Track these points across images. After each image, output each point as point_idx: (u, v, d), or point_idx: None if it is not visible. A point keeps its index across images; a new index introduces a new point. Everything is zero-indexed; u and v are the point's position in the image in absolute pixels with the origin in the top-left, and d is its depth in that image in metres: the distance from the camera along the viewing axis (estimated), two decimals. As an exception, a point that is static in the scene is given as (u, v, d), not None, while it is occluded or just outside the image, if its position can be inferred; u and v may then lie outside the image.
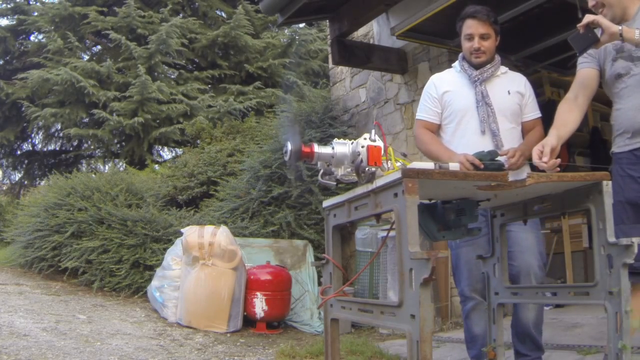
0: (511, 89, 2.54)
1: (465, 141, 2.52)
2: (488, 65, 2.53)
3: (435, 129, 2.63)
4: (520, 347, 2.50)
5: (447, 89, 2.61)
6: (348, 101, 6.10)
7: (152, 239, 5.42)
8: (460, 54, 2.63)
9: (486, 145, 2.43)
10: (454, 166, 1.72)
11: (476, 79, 2.53)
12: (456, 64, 2.66)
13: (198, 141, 8.84)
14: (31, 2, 11.68)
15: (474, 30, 2.50)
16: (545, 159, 2.04)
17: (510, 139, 2.51)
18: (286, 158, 1.87)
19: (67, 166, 11.48)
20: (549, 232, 5.29)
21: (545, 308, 4.64)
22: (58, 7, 10.64)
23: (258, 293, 4.51)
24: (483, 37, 2.49)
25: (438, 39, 4.66)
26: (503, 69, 2.60)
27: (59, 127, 11.14)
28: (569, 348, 3.11)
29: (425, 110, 2.66)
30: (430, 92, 2.66)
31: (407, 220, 1.51)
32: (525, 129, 2.59)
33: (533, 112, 2.59)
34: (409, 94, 5.21)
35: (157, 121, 9.78)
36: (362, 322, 4.17)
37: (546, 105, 5.62)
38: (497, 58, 2.58)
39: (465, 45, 2.55)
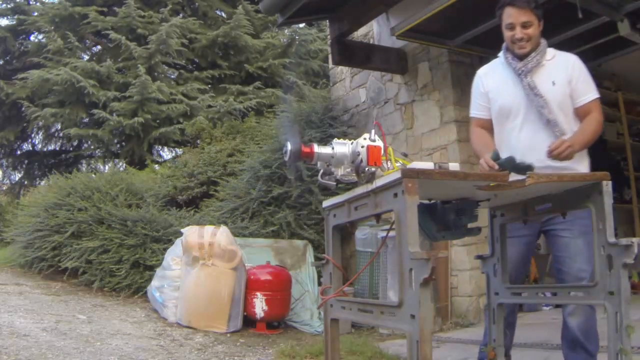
0: (557, 78, 2.33)
1: (517, 138, 2.37)
2: (532, 54, 2.35)
3: (488, 125, 2.49)
4: (572, 356, 2.34)
5: (492, 84, 2.47)
6: (348, 101, 6.10)
7: (152, 239, 5.42)
8: (504, 44, 2.45)
9: (545, 139, 2.29)
10: (454, 166, 1.72)
11: (520, 71, 2.36)
12: (501, 54, 2.49)
13: (198, 141, 8.84)
14: (31, 2, 11.67)
15: (515, 19, 2.33)
16: None
17: (557, 134, 2.32)
18: (286, 158, 1.87)
19: (67, 166, 11.47)
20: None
21: (545, 308, 4.68)
22: (58, 7, 10.63)
23: (258, 293, 4.51)
24: (524, 25, 2.32)
25: (438, 39, 4.66)
26: (550, 54, 2.40)
27: (59, 127, 11.13)
28: (569, 348, 3.10)
29: (475, 107, 2.54)
30: (477, 87, 2.54)
31: (407, 220, 1.51)
32: (580, 116, 2.36)
33: (584, 95, 2.34)
34: (409, 94, 5.21)
35: (157, 121, 9.77)
36: (362, 322, 4.16)
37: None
38: (543, 44, 2.40)
39: (507, 34, 2.39)
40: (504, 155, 2.12)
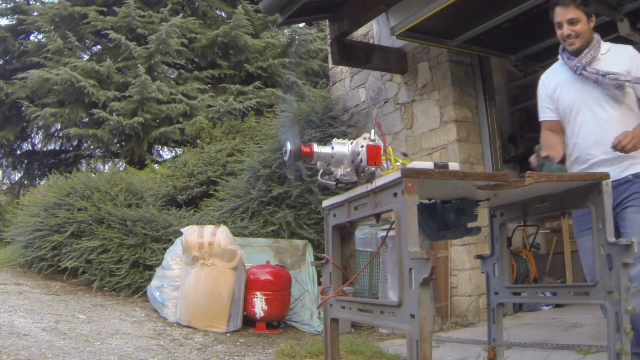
0: (613, 71, 2.35)
1: (583, 134, 2.41)
2: (586, 50, 2.39)
3: (557, 126, 2.52)
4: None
5: (555, 85, 2.53)
6: (348, 101, 6.10)
7: (152, 239, 5.42)
8: (561, 45, 2.51)
9: (608, 132, 2.31)
10: (454, 166, 1.72)
11: (576, 68, 2.41)
12: (559, 55, 2.55)
13: (198, 141, 8.84)
14: (31, 2, 11.68)
15: (561, 18, 2.41)
16: None
17: (622, 126, 2.32)
18: (286, 158, 1.87)
19: (67, 166, 11.48)
20: (549, 232, 5.29)
21: (545, 308, 4.68)
22: (58, 7, 10.64)
23: (258, 293, 4.51)
24: (572, 22, 2.38)
25: (438, 39, 4.66)
26: (604, 48, 2.44)
27: (59, 127, 11.14)
28: (569, 348, 3.11)
29: (542, 111, 2.59)
30: (541, 92, 2.60)
31: (407, 220, 1.51)
32: None
33: None
34: (409, 94, 5.21)
35: (157, 121, 9.78)
36: (362, 322, 4.16)
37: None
38: (596, 39, 2.43)
39: (558, 33, 2.46)
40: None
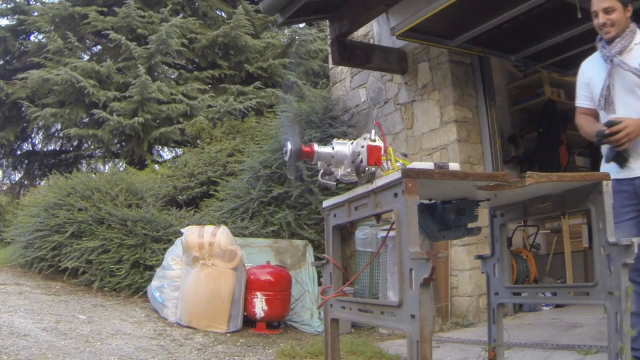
0: None
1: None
2: (617, 39, 2.42)
3: (593, 113, 2.58)
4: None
5: (590, 74, 2.57)
6: (348, 101, 6.10)
7: (152, 239, 5.42)
8: (598, 34, 2.55)
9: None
10: (454, 166, 1.72)
11: (605, 57, 2.45)
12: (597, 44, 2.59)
13: (198, 141, 8.84)
14: (31, 2, 11.68)
15: (597, 7, 2.45)
16: None
17: None
18: (286, 158, 1.87)
19: (67, 166, 11.48)
20: (549, 232, 5.29)
21: (545, 308, 4.68)
22: (58, 7, 10.64)
23: (258, 293, 4.51)
24: (607, 10, 2.42)
25: (438, 39, 4.66)
26: (639, 37, 2.45)
27: (59, 127, 11.14)
28: (569, 348, 3.11)
29: (579, 97, 2.65)
30: (580, 79, 2.65)
31: (407, 220, 1.51)
32: None
33: None
34: (409, 94, 5.21)
35: (157, 121, 9.78)
36: (362, 322, 4.16)
37: (546, 105, 5.64)
38: (630, 28, 2.45)
39: (594, 23, 2.50)
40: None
